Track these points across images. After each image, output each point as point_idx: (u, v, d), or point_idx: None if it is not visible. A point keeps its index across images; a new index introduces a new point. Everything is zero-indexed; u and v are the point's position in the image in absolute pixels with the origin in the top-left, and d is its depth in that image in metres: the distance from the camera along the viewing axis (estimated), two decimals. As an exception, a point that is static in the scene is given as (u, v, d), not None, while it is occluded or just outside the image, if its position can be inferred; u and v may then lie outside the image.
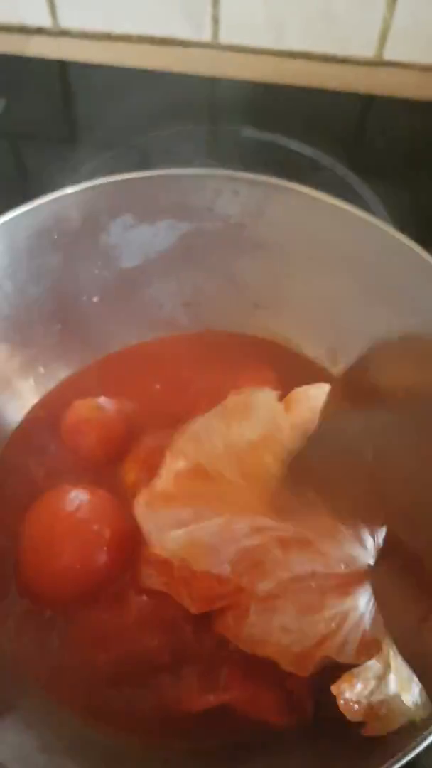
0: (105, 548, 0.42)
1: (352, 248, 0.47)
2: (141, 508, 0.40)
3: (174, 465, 0.40)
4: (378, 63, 0.76)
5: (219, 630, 0.38)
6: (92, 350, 0.53)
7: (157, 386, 0.52)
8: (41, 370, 0.51)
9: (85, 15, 0.77)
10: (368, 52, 0.75)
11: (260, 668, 0.38)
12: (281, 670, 0.37)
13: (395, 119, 0.73)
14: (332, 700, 0.36)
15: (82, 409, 0.49)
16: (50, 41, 0.78)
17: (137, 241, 0.49)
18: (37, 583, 0.43)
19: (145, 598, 0.41)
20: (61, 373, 0.52)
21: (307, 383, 0.50)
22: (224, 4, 0.73)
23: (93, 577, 0.42)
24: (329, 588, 0.36)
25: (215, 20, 0.74)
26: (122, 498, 0.45)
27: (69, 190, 0.44)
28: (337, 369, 0.52)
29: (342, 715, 0.35)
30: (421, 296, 0.43)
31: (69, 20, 0.77)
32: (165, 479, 0.40)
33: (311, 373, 0.51)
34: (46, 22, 0.77)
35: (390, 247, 0.45)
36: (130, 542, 0.43)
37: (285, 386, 0.51)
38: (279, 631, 0.36)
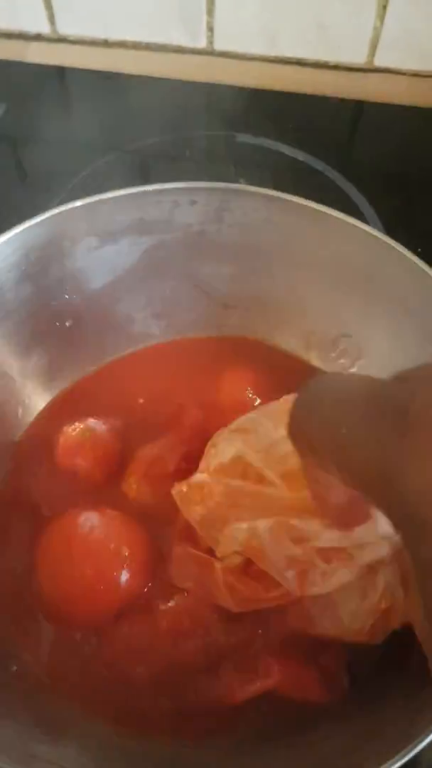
0: (125, 565, 0.43)
1: (309, 241, 0.49)
2: (182, 499, 0.40)
3: (214, 457, 0.40)
4: (369, 69, 0.78)
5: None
6: (71, 373, 0.54)
7: (141, 400, 0.53)
8: (26, 401, 0.51)
9: (82, 22, 0.78)
10: (359, 58, 0.77)
11: (295, 649, 0.40)
12: (314, 648, 0.39)
13: (386, 124, 0.76)
14: (365, 673, 0.39)
15: (73, 433, 0.50)
16: (49, 47, 0.80)
17: (103, 261, 0.50)
18: (62, 609, 0.44)
19: (172, 604, 0.42)
20: (44, 400, 0.53)
21: (285, 374, 0.53)
22: (219, 12, 0.74)
23: (118, 595, 0.43)
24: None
25: (210, 28, 0.76)
26: (129, 513, 0.47)
27: (31, 222, 0.45)
28: (311, 356, 0.53)
29: (374, 692, 0.37)
30: (390, 284, 0.46)
31: (67, 27, 0.79)
32: (204, 470, 0.40)
33: (288, 365, 0.54)
34: (44, 28, 0.79)
35: (347, 237, 0.47)
36: (148, 554, 0.44)
37: (264, 380, 0.53)
38: (348, 616, 0.38)
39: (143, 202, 0.47)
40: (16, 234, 0.44)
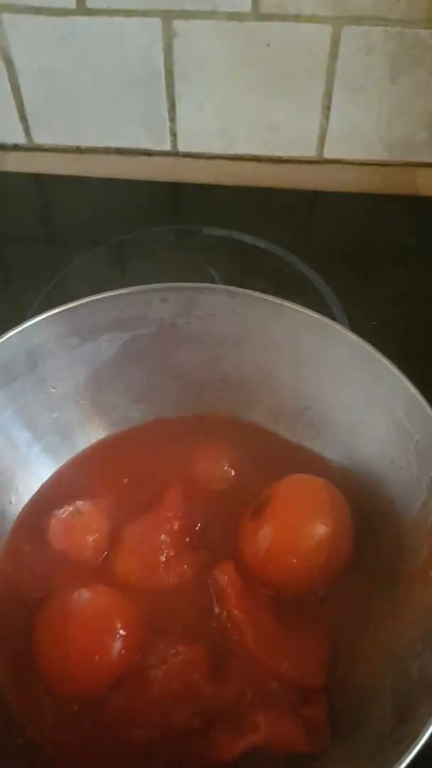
0: (118, 640, 0.46)
1: (269, 327, 0.54)
2: None
3: None
4: (320, 161, 0.86)
5: None
6: (59, 458, 0.58)
7: (125, 480, 0.56)
8: (19, 488, 0.55)
9: (55, 132, 0.86)
10: (310, 152, 0.85)
11: (279, 703, 0.43)
12: (298, 700, 0.43)
13: (338, 210, 0.83)
14: (344, 723, 0.42)
15: (62, 516, 0.53)
16: (25, 156, 0.87)
17: (84, 356, 0.55)
18: (61, 684, 0.46)
19: (163, 671, 0.46)
20: (35, 486, 0.57)
21: (257, 447, 0.57)
22: (180, 119, 0.83)
23: (112, 667, 0.46)
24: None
25: (173, 133, 0.84)
26: (119, 587, 0.50)
27: (13, 331, 0.50)
28: (280, 428, 0.58)
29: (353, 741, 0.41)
30: (340, 363, 0.52)
31: (41, 137, 0.86)
32: None
33: (259, 438, 0.58)
34: (21, 139, 0.86)
35: (300, 322, 0.53)
36: (138, 626, 0.47)
37: (238, 454, 0.57)
38: None
39: (119, 302, 0.52)
40: (5, 339, 0.49)
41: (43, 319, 0.51)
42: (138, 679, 0.46)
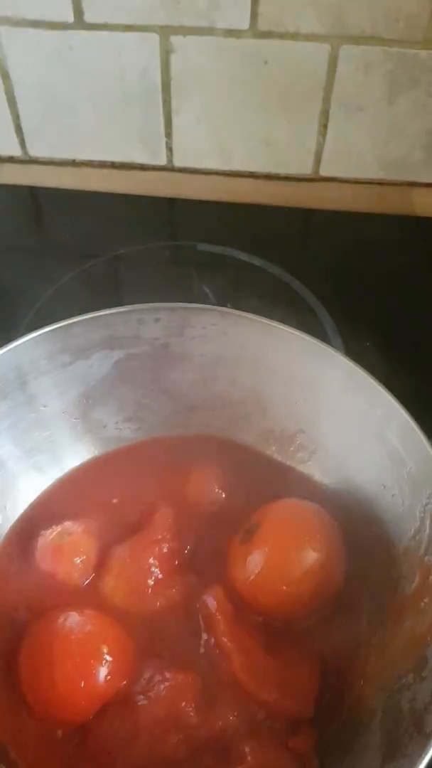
0: (105, 665, 0.45)
1: (261, 348, 0.54)
2: None
3: None
4: (315, 179, 0.86)
5: None
6: (46, 477, 0.57)
7: (114, 500, 0.56)
8: (7, 507, 0.54)
9: (51, 145, 0.86)
10: (306, 170, 0.85)
11: (266, 733, 0.42)
12: (285, 731, 0.42)
13: (334, 229, 0.83)
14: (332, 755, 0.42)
15: (50, 537, 0.52)
16: (20, 169, 0.87)
17: (76, 374, 0.54)
18: (45, 707, 0.45)
19: (149, 698, 0.45)
20: (22, 506, 0.56)
21: (249, 469, 0.57)
22: (176, 134, 0.83)
23: (98, 693, 0.45)
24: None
25: (169, 148, 0.84)
26: (106, 611, 0.49)
27: (4, 349, 0.49)
28: (272, 450, 0.58)
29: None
30: (332, 385, 0.51)
31: (37, 150, 0.86)
32: None
33: (251, 460, 0.57)
34: (16, 152, 0.86)
35: (291, 344, 0.52)
36: (125, 651, 0.47)
37: (229, 475, 0.57)
38: None
39: (112, 321, 0.52)
40: (-1, 356, 0.49)
41: (35, 337, 0.50)
42: (124, 706, 0.45)
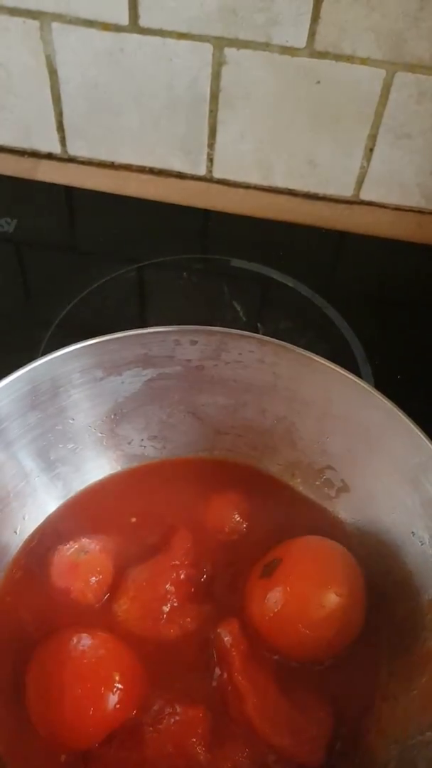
0: (115, 693, 0.44)
1: (296, 380, 0.53)
2: None
3: None
4: (354, 202, 0.85)
5: None
6: (66, 490, 0.56)
7: (133, 519, 0.55)
8: (25, 517, 0.54)
9: (91, 145, 0.84)
10: (346, 192, 0.84)
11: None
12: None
13: (370, 255, 0.81)
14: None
15: (67, 553, 0.51)
16: (58, 167, 0.86)
17: (106, 389, 0.53)
18: (50, 730, 0.45)
19: (159, 730, 0.44)
20: (40, 517, 0.55)
21: (272, 500, 0.56)
22: (219, 145, 0.81)
23: (105, 720, 0.44)
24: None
25: (210, 158, 0.83)
26: (119, 634, 0.49)
27: (45, 358, 0.49)
28: (296, 483, 0.57)
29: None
30: (366, 424, 0.50)
31: (77, 149, 0.85)
32: None
33: (275, 490, 0.57)
34: (56, 149, 0.85)
35: (327, 378, 0.51)
36: (137, 679, 0.46)
37: (250, 504, 0.56)
38: None
39: (149, 340, 0.51)
40: (29, 370, 0.48)
41: (72, 350, 0.49)
42: (131, 737, 0.44)
